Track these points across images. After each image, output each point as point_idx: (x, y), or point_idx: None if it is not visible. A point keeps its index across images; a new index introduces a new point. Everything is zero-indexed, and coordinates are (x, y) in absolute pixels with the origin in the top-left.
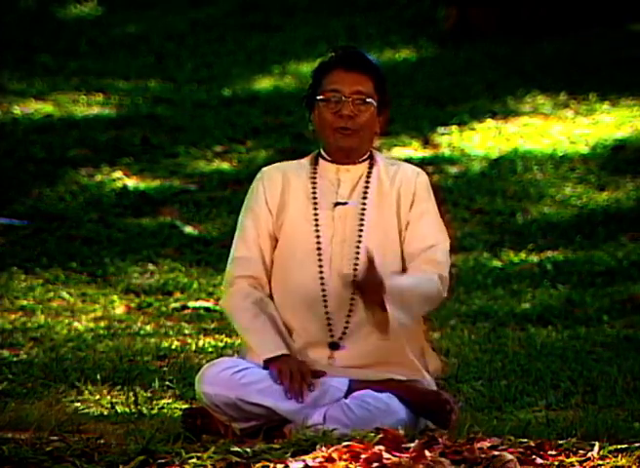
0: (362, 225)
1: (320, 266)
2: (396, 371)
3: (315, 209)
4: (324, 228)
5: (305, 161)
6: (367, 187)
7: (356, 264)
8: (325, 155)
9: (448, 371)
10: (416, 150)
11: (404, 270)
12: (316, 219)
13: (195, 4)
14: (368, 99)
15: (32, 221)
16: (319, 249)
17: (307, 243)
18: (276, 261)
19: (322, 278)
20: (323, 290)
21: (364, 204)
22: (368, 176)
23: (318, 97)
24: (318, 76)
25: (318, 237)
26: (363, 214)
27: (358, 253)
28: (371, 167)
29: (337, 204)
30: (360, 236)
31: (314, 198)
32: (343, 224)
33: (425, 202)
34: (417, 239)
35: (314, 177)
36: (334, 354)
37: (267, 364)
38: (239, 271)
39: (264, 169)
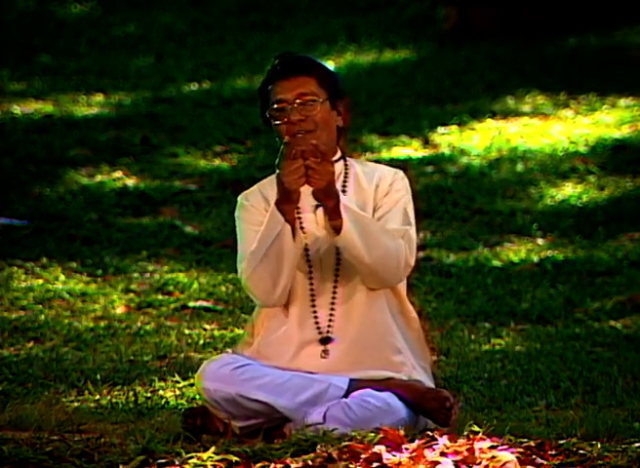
0: None
1: (310, 267)
2: (393, 364)
3: (298, 213)
4: (309, 230)
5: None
6: (345, 185)
7: (338, 259)
8: None
9: (441, 370)
10: (416, 150)
11: None
12: (300, 222)
13: (195, 4)
14: (313, 99)
15: (32, 221)
16: (307, 250)
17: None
18: None
19: (311, 278)
20: (311, 290)
21: None
22: (345, 176)
23: (267, 114)
24: (263, 95)
25: (305, 239)
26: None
27: (339, 252)
28: (347, 168)
29: (317, 206)
30: None
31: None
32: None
33: (401, 195)
34: (383, 221)
35: None
36: (327, 348)
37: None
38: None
39: (241, 194)
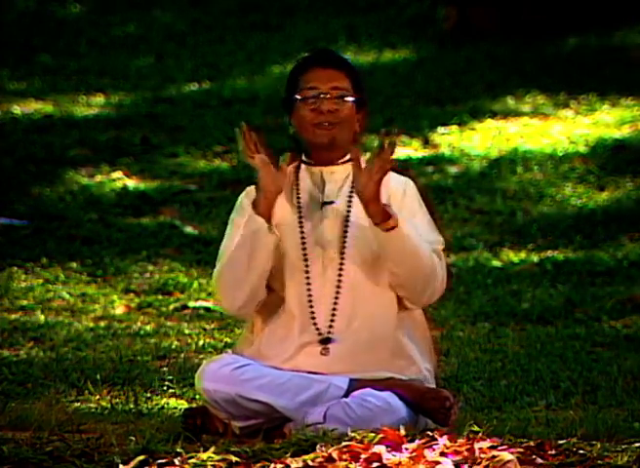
0: (347, 222)
1: (306, 266)
2: (394, 365)
3: (300, 212)
4: (312, 230)
5: None
6: (353, 187)
7: (341, 263)
8: (307, 160)
9: (441, 370)
10: (416, 150)
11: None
12: (300, 223)
13: (195, 4)
14: (346, 95)
15: (32, 221)
16: (304, 250)
17: (293, 247)
18: None
19: (308, 278)
20: (309, 295)
21: (350, 202)
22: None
23: (297, 97)
24: (295, 77)
25: (303, 238)
26: (348, 213)
27: (344, 251)
28: None
29: (324, 204)
30: (345, 234)
31: (298, 202)
32: (332, 223)
33: (416, 207)
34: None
35: (297, 183)
36: (327, 346)
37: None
38: None
39: (249, 188)
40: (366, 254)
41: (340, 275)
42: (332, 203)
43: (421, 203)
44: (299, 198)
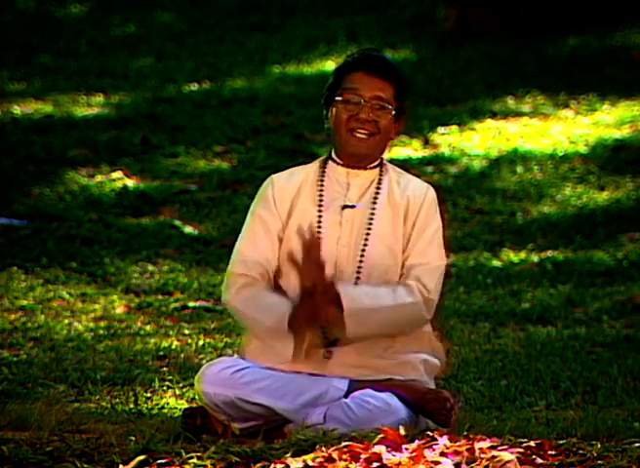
0: (369, 229)
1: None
2: (394, 369)
3: (319, 211)
4: (329, 231)
5: (315, 164)
6: (377, 193)
7: (360, 267)
8: (335, 158)
9: (449, 366)
10: (416, 150)
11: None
12: (319, 222)
13: (195, 4)
14: (386, 106)
15: (32, 221)
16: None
17: None
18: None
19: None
20: None
21: (373, 208)
22: (379, 183)
23: (337, 98)
24: (339, 75)
25: (319, 240)
26: (372, 219)
27: (363, 256)
28: (381, 174)
29: (345, 207)
30: (366, 240)
31: (320, 201)
32: (351, 227)
33: (431, 218)
34: (414, 253)
35: (321, 180)
36: (331, 349)
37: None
38: (244, 270)
39: (274, 176)
40: (382, 266)
41: (355, 284)
42: (352, 207)
43: (437, 214)
44: (321, 196)
